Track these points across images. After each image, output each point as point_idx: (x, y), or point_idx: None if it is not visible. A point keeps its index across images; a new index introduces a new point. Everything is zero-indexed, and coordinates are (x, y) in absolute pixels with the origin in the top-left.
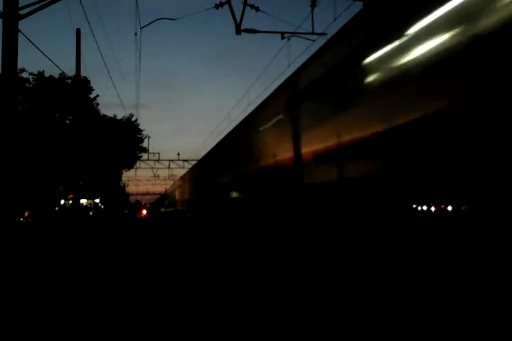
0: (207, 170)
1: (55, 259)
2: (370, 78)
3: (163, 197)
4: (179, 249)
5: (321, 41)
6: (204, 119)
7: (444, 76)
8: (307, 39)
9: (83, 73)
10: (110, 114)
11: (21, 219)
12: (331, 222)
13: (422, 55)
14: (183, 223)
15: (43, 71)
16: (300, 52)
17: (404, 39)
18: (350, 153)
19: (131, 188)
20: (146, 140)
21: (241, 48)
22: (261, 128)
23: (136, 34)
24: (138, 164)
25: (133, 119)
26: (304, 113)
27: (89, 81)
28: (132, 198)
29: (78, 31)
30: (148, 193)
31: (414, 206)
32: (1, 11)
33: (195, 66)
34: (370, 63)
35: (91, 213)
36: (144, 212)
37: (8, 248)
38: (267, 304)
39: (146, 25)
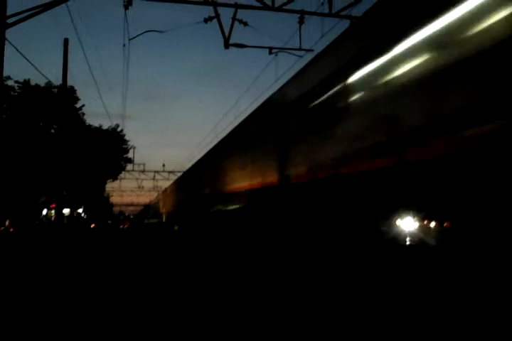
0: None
1: (38, 268)
2: None
3: (148, 208)
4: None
5: (307, 57)
6: (191, 131)
7: None
8: (294, 55)
9: (70, 83)
10: (96, 124)
11: (2, 228)
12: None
13: None
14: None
15: (29, 79)
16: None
17: None
18: None
19: (115, 199)
20: (131, 150)
21: (229, 62)
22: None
23: (124, 45)
24: (123, 175)
25: (119, 130)
26: None
27: (76, 90)
28: (116, 209)
29: (66, 41)
30: (132, 204)
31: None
32: None
33: (182, 78)
34: None
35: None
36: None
37: None
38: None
39: (134, 37)
